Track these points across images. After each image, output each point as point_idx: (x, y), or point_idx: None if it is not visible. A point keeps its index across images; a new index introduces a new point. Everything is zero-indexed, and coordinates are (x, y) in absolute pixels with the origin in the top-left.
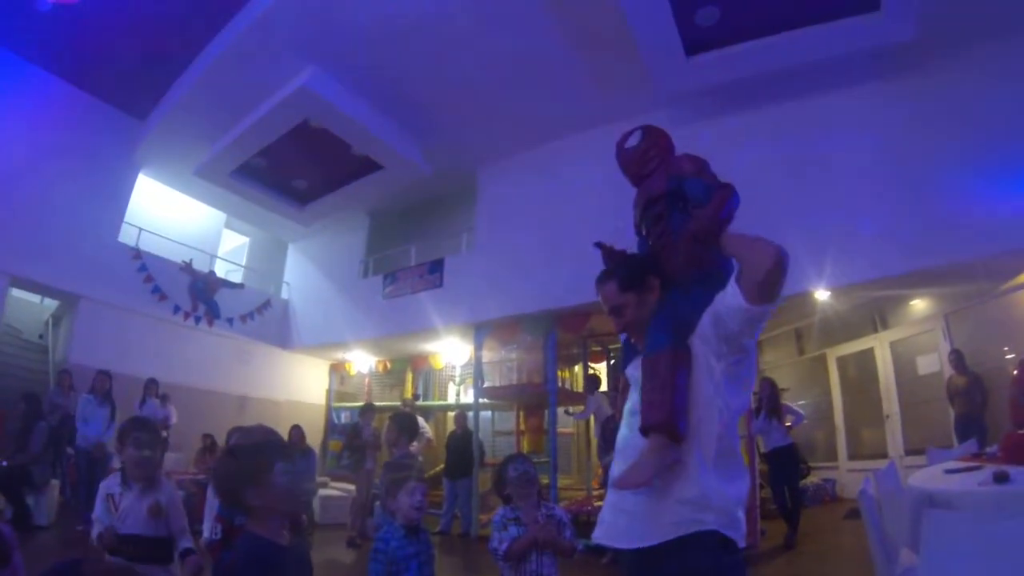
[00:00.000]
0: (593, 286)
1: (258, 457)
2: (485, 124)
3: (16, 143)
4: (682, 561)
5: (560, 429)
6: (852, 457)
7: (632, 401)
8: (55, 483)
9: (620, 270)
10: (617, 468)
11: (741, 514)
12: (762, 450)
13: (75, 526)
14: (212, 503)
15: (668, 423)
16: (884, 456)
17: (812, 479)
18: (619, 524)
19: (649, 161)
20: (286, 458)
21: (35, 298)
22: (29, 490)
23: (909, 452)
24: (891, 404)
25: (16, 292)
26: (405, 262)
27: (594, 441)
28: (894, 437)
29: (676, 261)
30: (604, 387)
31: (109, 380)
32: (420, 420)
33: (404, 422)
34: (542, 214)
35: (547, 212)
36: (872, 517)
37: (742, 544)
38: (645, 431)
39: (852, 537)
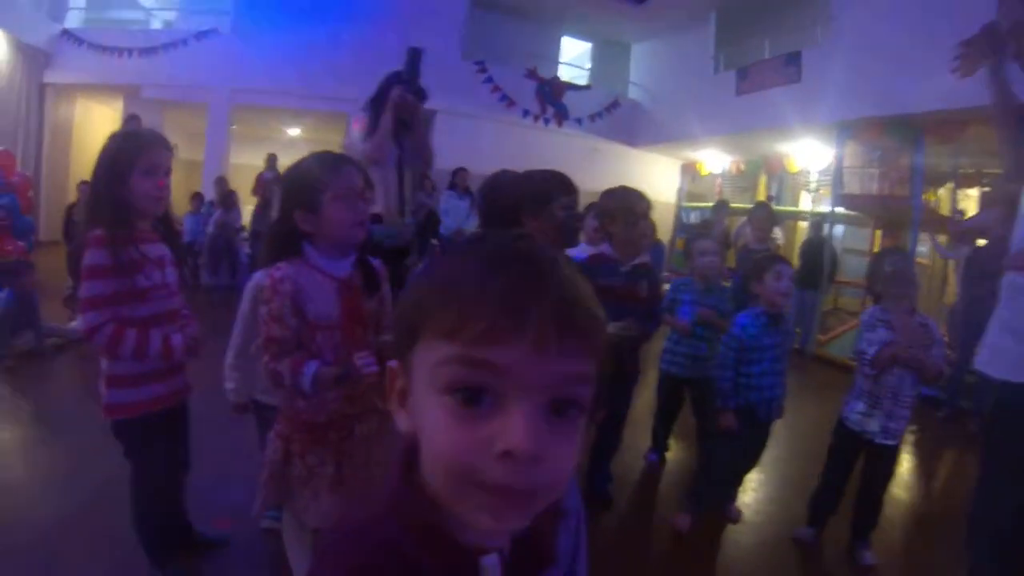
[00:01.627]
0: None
1: (542, 186)
2: None
3: None
4: None
5: (918, 260)
6: None
7: None
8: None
9: None
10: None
11: None
12: None
13: None
14: None
15: None
16: None
17: None
18: (1006, 349)
19: None
20: (570, 194)
21: None
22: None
23: None
24: None
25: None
26: (758, 56)
27: (952, 278)
28: None
29: None
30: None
31: (467, 174)
32: None
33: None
34: (909, 2)
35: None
36: None
37: None
38: None
39: None
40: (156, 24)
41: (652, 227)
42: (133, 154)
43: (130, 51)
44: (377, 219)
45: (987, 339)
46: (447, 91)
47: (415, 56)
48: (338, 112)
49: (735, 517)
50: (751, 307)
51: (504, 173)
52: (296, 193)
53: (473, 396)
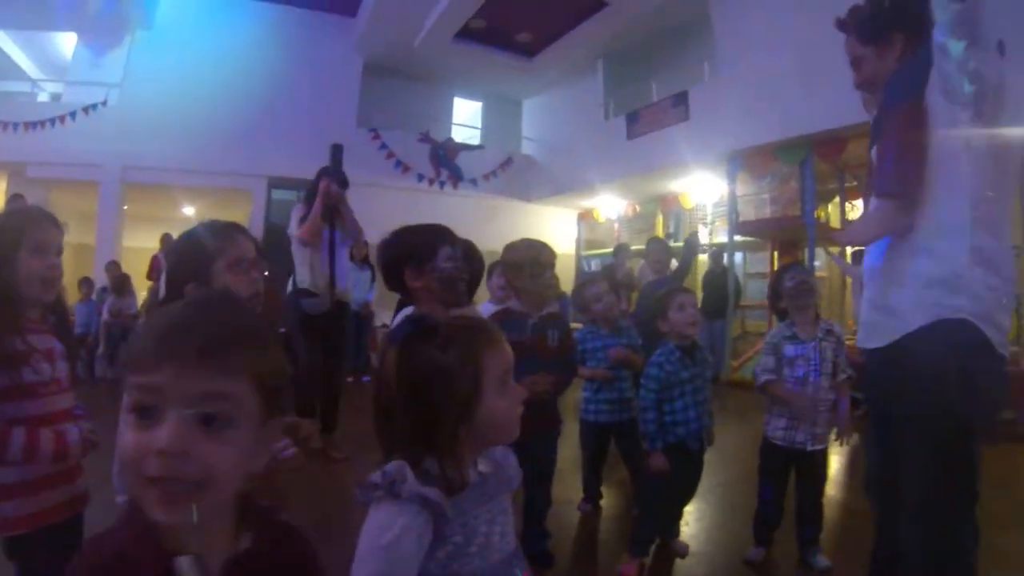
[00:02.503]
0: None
1: (423, 239)
2: None
3: (256, 67)
4: (923, 350)
5: (817, 274)
6: None
7: None
8: None
9: (861, 18)
10: (869, 256)
11: (1004, 317)
12: None
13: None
14: None
15: (895, 183)
16: None
17: None
18: (873, 321)
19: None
20: (452, 244)
21: (291, 194)
22: None
23: None
24: None
25: (276, 193)
26: (647, 99)
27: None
28: None
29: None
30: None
31: (367, 247)
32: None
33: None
34: (792, 29)
35: (798, 27)
36: None
37: (1003, 353)
38: (878, 192)
39: None
40: (43, 97)
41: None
42: (18, 231)
43: (15, 125)
44: (306, 293)
45: (860, 319)
46: (345, 162)
47: (337, 151)
48: (237, 189)
49: (683, 552)
50: (663, 344)
51: (392, 233)
52: (186, 264)
53: (143, 412)
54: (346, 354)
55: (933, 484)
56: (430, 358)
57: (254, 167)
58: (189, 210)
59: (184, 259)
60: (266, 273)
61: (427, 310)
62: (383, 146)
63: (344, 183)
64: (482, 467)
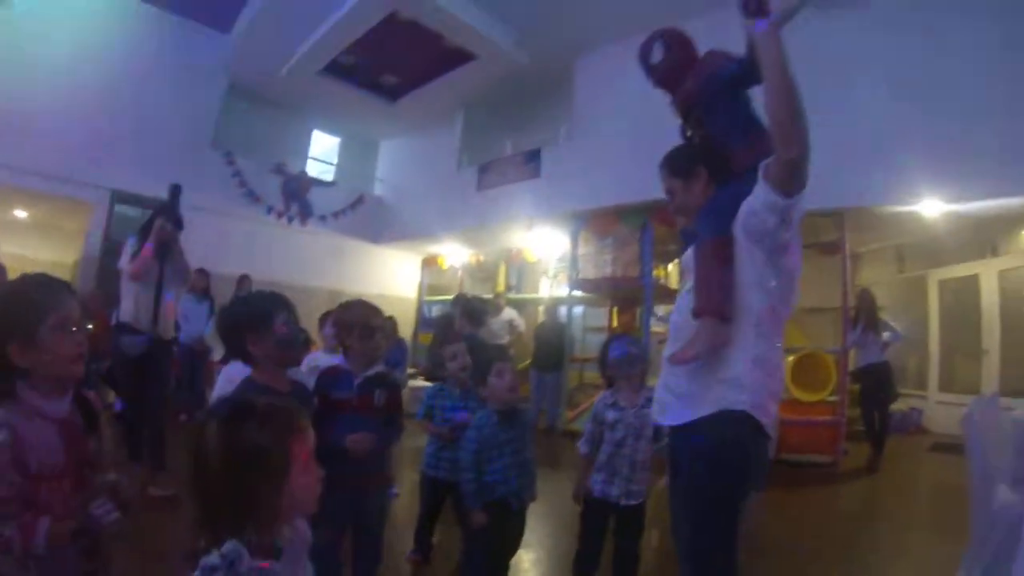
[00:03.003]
0: None
1: (261, 307)
2: (584, 7)
3: (116, 68)
4: (710, 433)
5: (652, 329)
6: (943, 389)
7: (686, 286)
8: None
9: (671, 155)
10: (669, 348)
11: (772, 405)
12: (854, 366)
13: (178, 416)
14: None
15: (717, 306)
16: (977, 392)
17: (899, 406)
18: (667, 402)
19: (680, 70)
20: (289, 311)
21: (136, 211)
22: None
23: (1005, 393)
24: (992, 338)
25: (120, 208)
26: (501, 154)
27: None
28: (990, 373)
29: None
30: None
31: (207, 278)
32: (512, 312)
33: (469, 306)
34: (641, 103)
35: (646, 101)
36: (976, 445)
37: (771, 434)
38: (697, 314)
39: (935, 469)
40: None
41: (394, 324)
42: (41, 306)
43: None
44: (127, 328)
45: (656, 395)
46: (192, 183)
47: (175, 191)
48: (77, 199)
49: None
50: (483, 408)
51: (230, 303)
52: (10, 322)
53: None
54: (174, 390)
55: (706, 538)
56: (248, 438)
57: (98, 177)
58: (22, 213)
59: (8, 316)
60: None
61: (266, 373)
62: (236, 173)
63: (179, 224)
64: (287, 533)
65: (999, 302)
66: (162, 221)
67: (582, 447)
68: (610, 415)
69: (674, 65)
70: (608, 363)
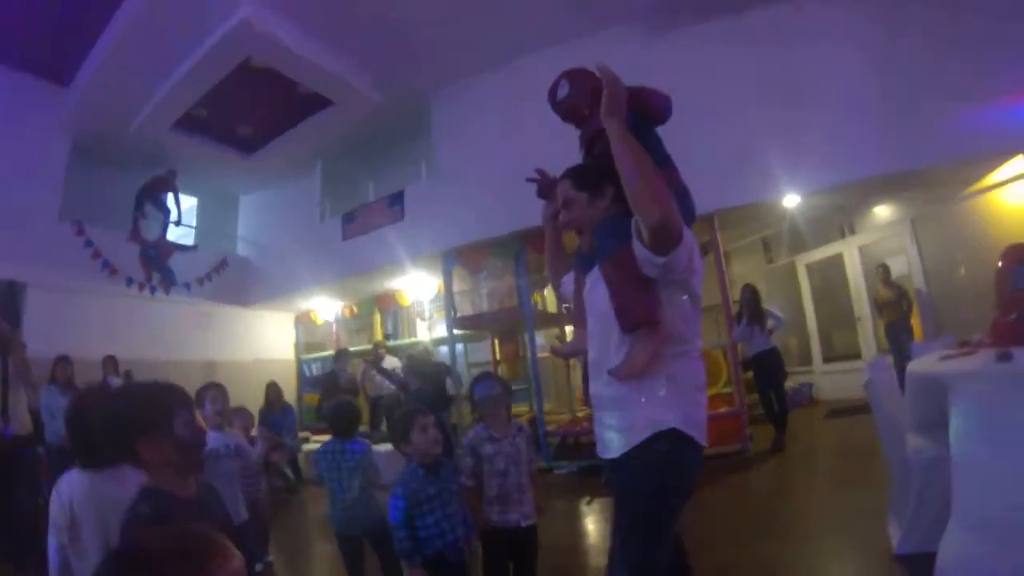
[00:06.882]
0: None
1: (156, 406)
2: (437, 43)
3: None
4: (642, 457)
5: (540, 355)
6: (827, 360)
7: (595, 318)
8: None
9: (580, 169)
10: (595, 385)
11: (700, 412)
12: (744, 356)
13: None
14: None
15: (648, 315)
16: (857, 357)
17: (790, 384)
18: (605, 438)
19: (585, 106)
20: (188, 407)
21: None
22: None
23: (883, 352)
24: (862, 307)
25: None
26: (364, 199)
27: (573, 363)
28: (866, 339)
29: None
30: None
31: (71, 367)
32: (394, 360)
33: (414, 362)
34: (503, 134)
35: (508, 131)
36: (879, 403)
37: (702, 443)
38: (632, 327)
39: (836, 435)
40: None
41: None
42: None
43: None
44: None
45: (596, 434)
46: (42, 260)
47: (13, 290)
48: None
49: None
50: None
51: (98, 394)
52: None
53: None
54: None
55: (642, 552)
56: None
57: None
58: None
59: None
60: None
61: (165, 478)
62: (88, 243)
63: (16, 322)
64: None
65: (863, 273)
66: None
67: (466, 481)
68: (488, 448)
69: (577, 99)
70: (475, 401)
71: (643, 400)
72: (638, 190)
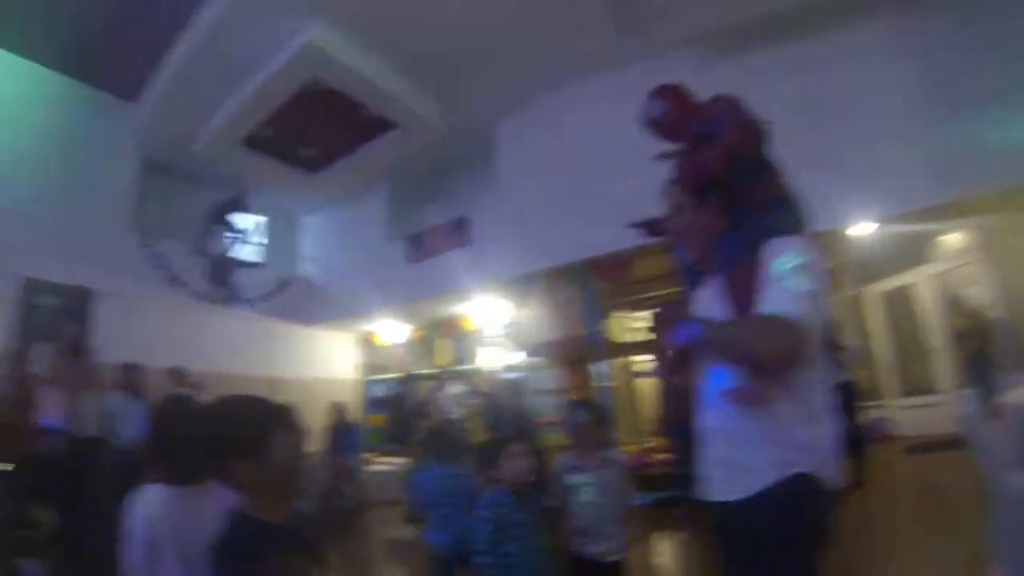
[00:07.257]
0: (629, 230)
1: (257, 426)
2: (502, 71)
3: (15, 141)
4: (775, 507)
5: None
6: (903, 394)
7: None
8: None
9: (684, 176)
10: (707, 416)
11: (834, 452)
12: None
13: None
14: None
15: (795, 345)
16: (933, 391)
17: (863, 418)
18: (715, 476)
19: (684, 123)
20: (292, 429)
21: (53, 301)
22: None
23: (958, 385)
24: (935, 338)
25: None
26: (429, 223)
27: (642, 389)
28: (943, 371)
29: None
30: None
31: (140, 373)
32: (459, 386)
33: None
34: (569, 160)
35: (575, 157)
36: (978, 438)
37: (836, 480)
38: (773, 359)
39: (917, 469)
40: None
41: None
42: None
43: None
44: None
45: (705, 474)
46: (111, 269)
47: (83, 295)
48: None
49: None
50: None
51: (187, 403)
52: None
53: None
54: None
55: None
56: None
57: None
58: None
59: None
60: None
61: (262, 503)
62: (156, 256)
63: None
64: None
65: (937, 302)
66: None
67: (551, 503)
68: (573, 478)
69: (676, 118)
70: (570, 429)
71: (773, 436)
72: (759, 359)
